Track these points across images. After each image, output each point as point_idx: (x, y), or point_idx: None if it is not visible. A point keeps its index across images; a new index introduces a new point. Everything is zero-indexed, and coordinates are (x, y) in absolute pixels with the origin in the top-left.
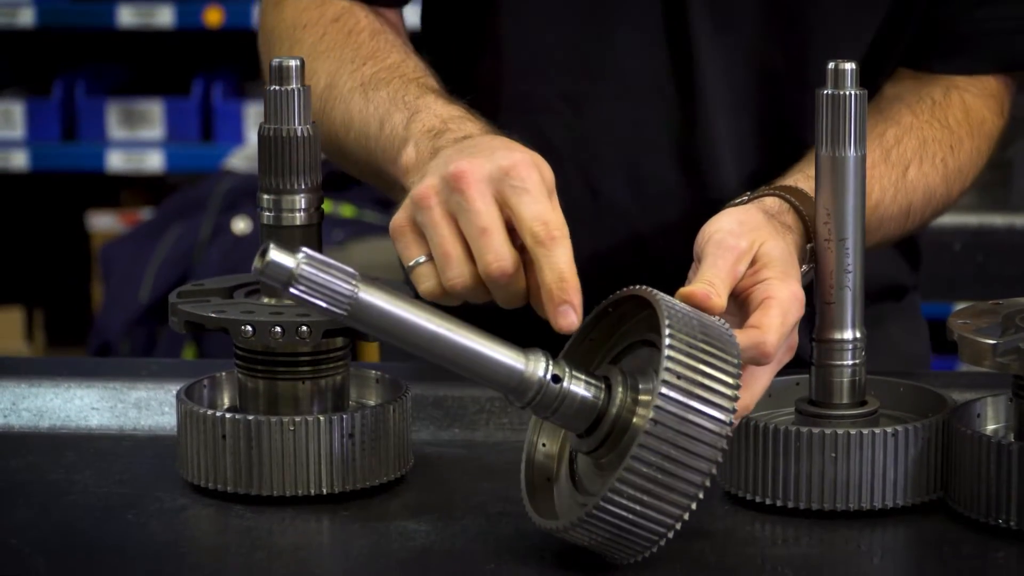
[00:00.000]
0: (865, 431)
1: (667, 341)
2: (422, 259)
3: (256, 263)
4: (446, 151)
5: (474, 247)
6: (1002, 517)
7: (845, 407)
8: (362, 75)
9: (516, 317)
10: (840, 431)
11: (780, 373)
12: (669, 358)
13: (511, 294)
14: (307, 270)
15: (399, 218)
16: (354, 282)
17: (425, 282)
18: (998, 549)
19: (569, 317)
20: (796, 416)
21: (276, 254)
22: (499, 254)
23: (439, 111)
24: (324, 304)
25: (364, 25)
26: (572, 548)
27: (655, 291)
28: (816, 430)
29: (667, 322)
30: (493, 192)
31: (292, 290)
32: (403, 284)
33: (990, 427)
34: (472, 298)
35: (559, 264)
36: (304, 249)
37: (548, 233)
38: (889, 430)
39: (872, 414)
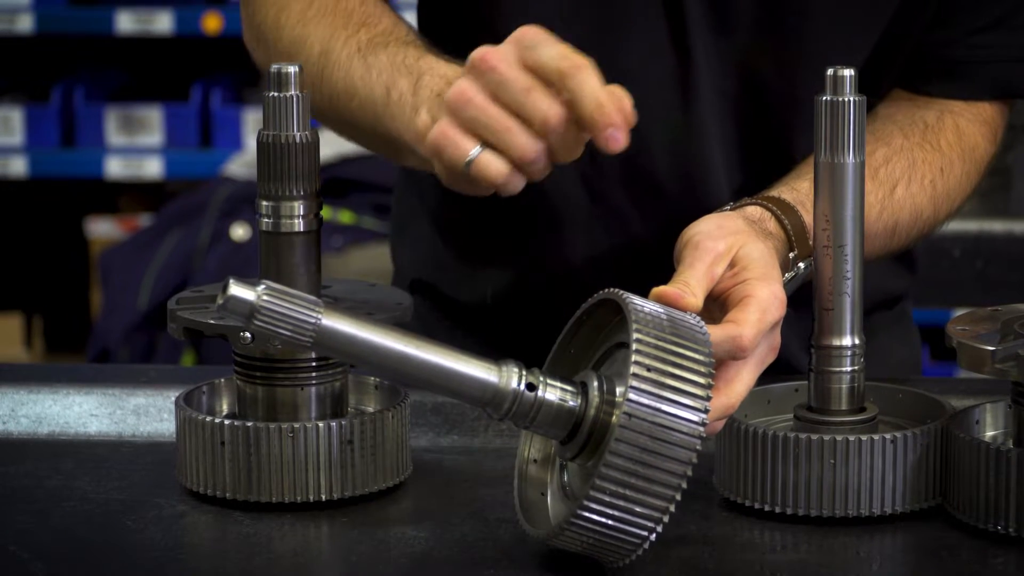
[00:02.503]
0: (864, 437)
1: (634, 337)
2: (478, 150)
3: (218, 299)
4: None
5: (527, 109)
6: (1001, 523)
7: (844, 413)
8: (358, 41)
9: (504, 329)
10: (839, 437)
11: (774, 379)
12: (637, 352)
13: (570, 143)
14: (268, 301)
15: (437, 127)
16: (317, 310)
17: (492, 166)
18: (997, 555)
19: (617, 139)
20: (795, 422)
21: (236, 288)
22: (550, 104)
23: (443, 71)
24: (288, 334)
25: None
26: (569, 553)
27: (624, 293)
28: (815, 436)
29: (633, 317)
30: (518, 60)
31: (255, 322)
32: (393, 288)
33: (989, 433)
34: (539, 164)
35: (591, 90)
36: (264, 281)
37: (573, 63)
38: (888, 436)
39: (871, 420)
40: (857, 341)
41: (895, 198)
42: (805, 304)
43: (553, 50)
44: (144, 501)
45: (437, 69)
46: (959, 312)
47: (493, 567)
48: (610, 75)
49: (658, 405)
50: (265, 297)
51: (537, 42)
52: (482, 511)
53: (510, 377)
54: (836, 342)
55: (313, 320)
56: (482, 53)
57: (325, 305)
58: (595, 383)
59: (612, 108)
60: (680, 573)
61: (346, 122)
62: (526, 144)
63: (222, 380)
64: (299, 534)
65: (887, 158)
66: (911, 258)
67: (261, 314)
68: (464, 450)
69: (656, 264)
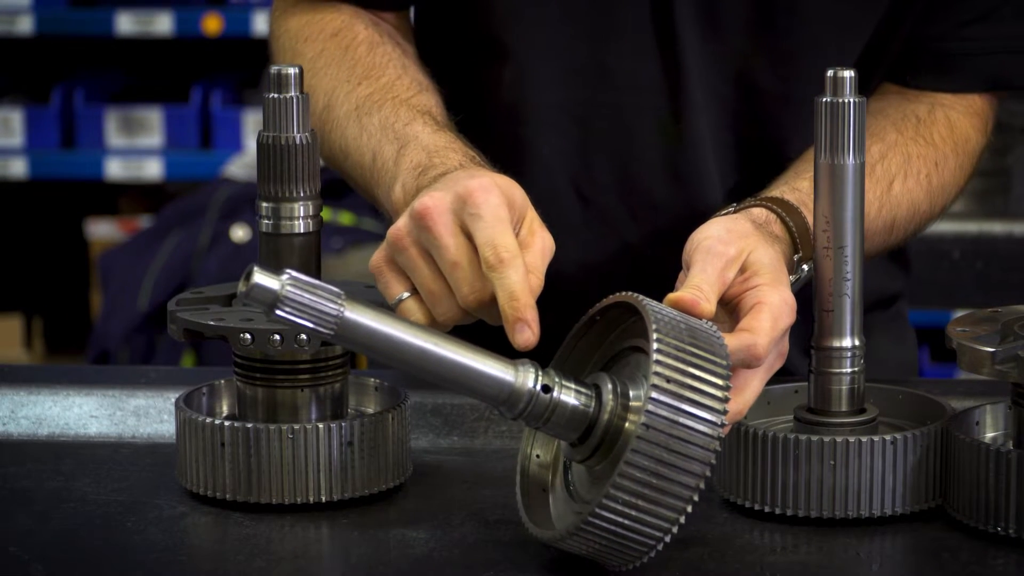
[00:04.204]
0: (864, 439)
1: (655, 346)
2: (405, 295)
3: (240, 286)
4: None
5: (450, 281)
6: (1000, 524)
7: (844, 415)
8: (357, 97)
9: (498, 335)
10: (839, 439)
11: (772, 381)
12: (658, 362)
13: (496, 316)
14: (292, 291)
15: (377, 258)
16: (340, 301)
17: (413, 315)
18: (996, 556)
19: (524, 334)
20: (795, 424)
21: (260, 276)
22: (473, 286)
23: (426, 141)
24: (310, 324)
25: (362, 39)
26: (570, 555)
27: (642, 297)
28: (815, 438)
29: (654, 327)
30: (458, 223)
31: (278, 312)
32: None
33: (989, 435)
34: (463, 323)
35: (508, 285)
36: (288, 270)
37: (497, 257)
38: (888, 438)
39: (871, 422)
40: (857, 342)
41: (892, 194)
42: (802, 308)
43: (487, 232)
44: (144, 502)
45: (421, 138)
46: (959, 313)
47: (493, 568)
48: (600, 81)
49: (676, 417)
50: (289, 287)
51: (479, 210)
52: (482, 512)
53: (526, 377)
54: (836, 343)
55: (336, 312)
56: (424, 206)
57: (347, 297)
58: (609, 386)
59: (523, 305)
60: (680, 574)
61: (346, 178)
62: (447, 312)
63: (222, 381)
64: (299, 535)
65: (883, 154)
66: (906, 258)
67: (285, 304)
68: (464, 451)
69: (649, 268)
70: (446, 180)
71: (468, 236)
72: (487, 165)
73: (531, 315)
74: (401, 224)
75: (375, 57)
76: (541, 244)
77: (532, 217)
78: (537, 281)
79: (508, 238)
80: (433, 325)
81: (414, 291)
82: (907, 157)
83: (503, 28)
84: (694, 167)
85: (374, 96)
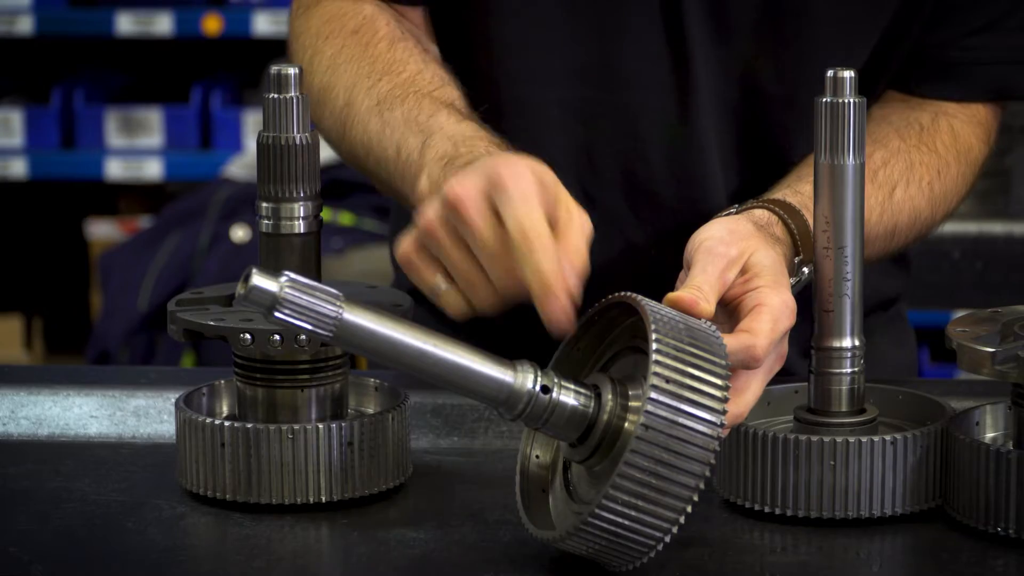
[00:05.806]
0: (864, 439)
1: (654, 346)
2: (443, 285)
3: (239, 288)
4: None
5: (486, 268)
6: (1001, 525)
7: (844, 415)
8: (378, 92)
9: (508, 330)
10: (839, 439)
11: (773, 381)
12: (657, 362)
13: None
14: (291, 293)
15: (406, 248)
16: (338, 303)
17: (454, 306)
18: (997, 557)
19: (559, 321)
20: (795, 424)
21: (259, 279)
22: (510, 271)
23: (451, 131)
24: (309, 327)
25: (383, 35)
26: (570, 556)
27: (641, 297)
28: (815, 438)
29: (653, 327)
30: (490, 207)
31: (277, 314)
32: (393, 290)
33: (989, 435)
34: (501, 310)
35: (536, 266)
36: (287, 272)
37: (523, 236)
38: (888, 438)
39: (871, 422)
40: (857, 343)
41: (894, 200)
42: (802, 309)
43: (515, 214)
44: (144, 503)
45: (446, 129)
46: (959, 314)
47: (493, 569)
48: (608, 81)
49: (675, 418)
50: (288, 289)
51: (508, 192)
52: (482, 513)
53: (525, 378)
54: (836, 344)
55: (335, 314)
56: (455, 193)
57: (346, 299)
58: (608, 387)
59: (557, 290)
60: (681, 575)
61: (368, 175)
62: (485, 299)
63: (222, 382)
64: (299, 536)
65: (885, 160)
66: (906, 260)
67: (283, 306)
68: (464, 452)
69: (653, 269)
70: (475, 166)
71: (501, 221)
72: (512, 151)
73: (562, 295)
74: (431, 211)
75: (396, 53)
76: (580, 223)
77: (566, 198)
78: (581, 261)
79: (535, 217)
80: (473, 313)
81: (450, 279)
82: (910, 164)
83: (506, 25)
84: (699, 168)
85: (395, 91)
